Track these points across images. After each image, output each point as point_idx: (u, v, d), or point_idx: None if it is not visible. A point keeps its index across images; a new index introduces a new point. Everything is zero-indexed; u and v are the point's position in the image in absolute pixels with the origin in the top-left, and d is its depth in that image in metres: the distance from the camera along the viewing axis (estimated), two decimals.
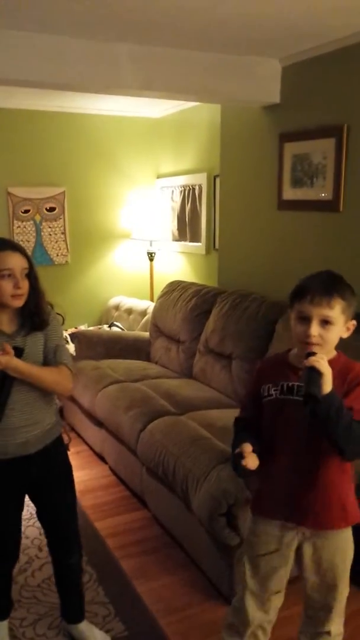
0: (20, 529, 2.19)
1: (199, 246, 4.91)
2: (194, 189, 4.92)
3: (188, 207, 5.02)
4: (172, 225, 5.27)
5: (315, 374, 1.53)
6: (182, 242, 5.16)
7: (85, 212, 5.37)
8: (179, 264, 5.30)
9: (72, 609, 2.29)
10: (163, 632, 2.34)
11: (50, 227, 5.24)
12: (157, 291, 4.93)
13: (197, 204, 4.88)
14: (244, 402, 1.96)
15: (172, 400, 3.47)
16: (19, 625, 2.35)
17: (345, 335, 1.68)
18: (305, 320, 1.63)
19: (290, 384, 1.70)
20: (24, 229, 5.13)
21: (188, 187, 5.00)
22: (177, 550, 2.87)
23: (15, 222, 5.08)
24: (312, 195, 3.45)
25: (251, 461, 1.65)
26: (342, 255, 3.27)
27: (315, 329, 1.61)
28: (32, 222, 5.15)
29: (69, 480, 2.19)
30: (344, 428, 1.56)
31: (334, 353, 1.70)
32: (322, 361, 1.55)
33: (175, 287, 4.46)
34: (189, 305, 4.13)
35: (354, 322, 1.68)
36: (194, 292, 4.21)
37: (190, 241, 5.05)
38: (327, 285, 1.63)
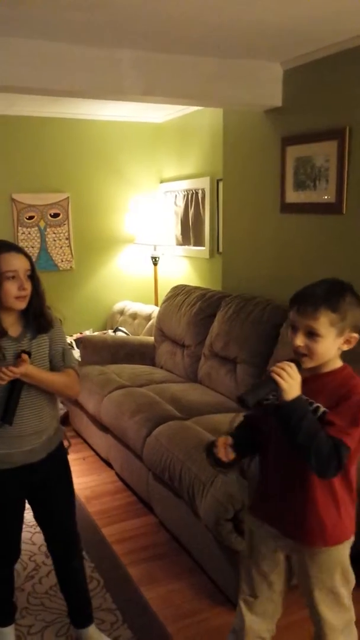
0: (20, 532, 2.19)
1: (203, 250, 4.92)
2: (197, 193, 4.92)
3: (191, 212, 5.02)
4: (176, 229, 5.28)
5: (268, 384, 1.53)
6: (186, 247, 5.17)
7: (89, 218, 5.38)
8: (183, 268, 5.31)
9: (79, 613, 2.29)
10: (171, 638, 2.33)
11: (54, 233, 5.26)
12: (162, 295, 4.93)
13: (201, 208, 4.89)
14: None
15: (178, 405, 3.47)
16: (27, 633, 2.34)
17: (345, 348, 1.62)
18: (295, 329, 1.61)
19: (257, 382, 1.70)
20: (29, 235, 5.15)
21: (191, 192, 5.01)
22: (184, 555, 2.86)
23: (19, 228, 5.10)
24: (315, 198, 3.44)
25: (222, 452, 1.68)
26: (346, 257, 3.26)
27: (300, 339, 1.59)
28: (36, 228, 5.17)
29: (69, 484, 2.19)
30: (305, 437, 1.51)
31: (337, 364, 1.66)
32: (287, 369, 1.53)
33: (180, 292, 4.46)
34: (194, 309, 4.13)
35: (356, 335, 1.61)
36: (199, 296, 4.20)
37: (194, 245, 5.05)
38: (318, 296, 1.58)
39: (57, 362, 2.06)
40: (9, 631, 2.26)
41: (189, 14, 2.65)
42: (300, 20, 2.74)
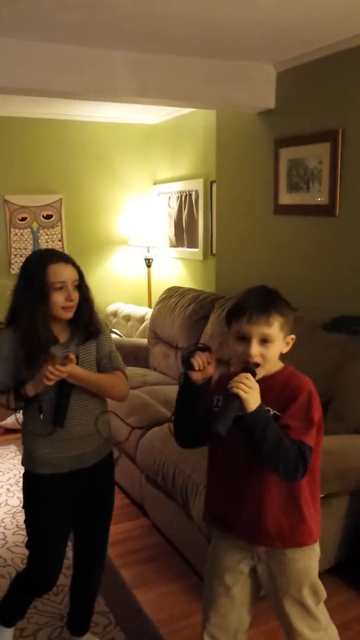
0: (64, 549, 2.10)
1: (197, 252, 4.91)
2: (190, 195, 4.92)
3: (185, 213, 5.02)
4: (170, 231, 5.28)
5: (233, 402, 1.49)
6: (180, 248, 5.16)
7: (83, 219, 5.37)
8: (176, 270, 5.30)
9: (80, 622, 2.28)
10: None
11: (47, 235, 5.24)
12: (155, 297, 4.93)
13: (194, 209, 4.89)
14: None
15: (171, 407, 3.42)
16: (19, 636, 2.33)
17: (285, 350, 1.64)
18: (244, 340, 1.59)
19: (221, 404, 1.60)
20: (21, 236, 5.13)
21: (185, 193, 5.01)
22: (177, 558, 2.85)
23: (12, 229, 5.08)
24: (308, 200, 3.45)
25: (199, 361, 1.60)
26: (339, 259, 3.27)
27: (255, 349, 1.58)
28: (29, 229, 5.16)
29: (112, 495, 2.17)
30: (270, 446, 1.50)
31: (279, 366, 1.67)
32: (245, 381, 1.50)
33: (173, 293, 4.45)
34: (187, 311, 4.12)
35: (293, 336, 1.65)
36: (192, 298, 4.20)
37: (187, 247, 5.05)
38: (264, 302, 1.60)
39: (105, 364, 2.07)
40: (9, 633, 2.25)
41: (183, 16, 2.65)
42: (294, 22, 2.75)
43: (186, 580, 2.69)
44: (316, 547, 1.72)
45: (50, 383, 1.85)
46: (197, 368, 1.61)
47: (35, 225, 5.17)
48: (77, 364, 1.93)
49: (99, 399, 2.06)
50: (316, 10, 2.59)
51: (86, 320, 2.01)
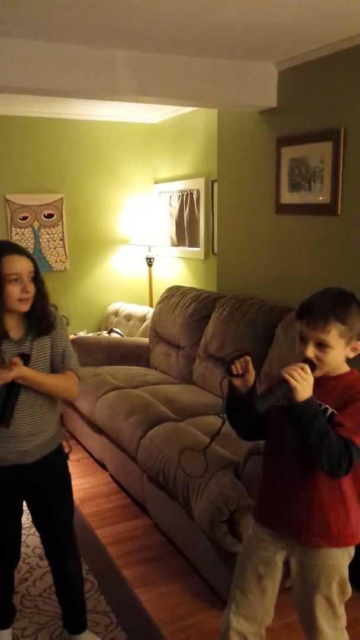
0: (20, 533, 2.19)
1: (198, 251, 4.91)
2: (192, 194, 4.92)
3: (186, 212, 5.01)
4: (171, 230, 5.27)
5: (281, 386, 1.54)
6: (181, 247, 5.16)
7: (84, 219, 5.37)
8: (177, 269, 5.30)
9: (74, 619, 2.28)
10: None
11: (48, 234, 5.24)
12: (156, 297, 4.92)
13: (195, 208, 4.88)
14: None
15: (172, 406, 3.46)
16: (20, 635, 2.33)
17: (352, 355, 1.68)
18: (304, 340, 1.65)
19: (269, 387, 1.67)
20: (23, 235, 5.13)
21: (186, 192, 5.00)
22: (179, 558, 2.85)
23: (13, 229, 5.07)
24: (310, 199, 3.44)
25: (239, 366, 1.66)
26: (341, 258, 3.26)
27: (310, 351, 1.63)
28: (30, 229, 5.15)
29: (67, 489, 2.17)
30: (316, 437, 1.54)
31: (344, 369, 1.70)
32: (299, 371, 1.54)
33: (174, 293, 4.45)
34: (188, 310, 4.12)
35: None
36: (193, 297, 4.20)
37: (188, 246, 5.04)
38: (327, 308, 1.62)
39: (57, 363, 2.05)
40: (7, 634, 2.25)
41: (184, 14, 2.64)
42: (295, 21, 2.74)
43: (188, 580, 2.69)
44: (352, 548, 1.76)
45: None
46: (235, 372, 1.67)
47: (36, 225, 5.17)
48: (29, 362, 1.92)
49: (49, 398, 2.05)
50: (318, 9, 2.58)
51: (39, 315, 1.99)
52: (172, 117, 5.16)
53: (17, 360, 1.88)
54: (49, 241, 5.24)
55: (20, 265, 1.91)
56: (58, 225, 5.26)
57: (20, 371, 1.87)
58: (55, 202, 5.21)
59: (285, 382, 1.54)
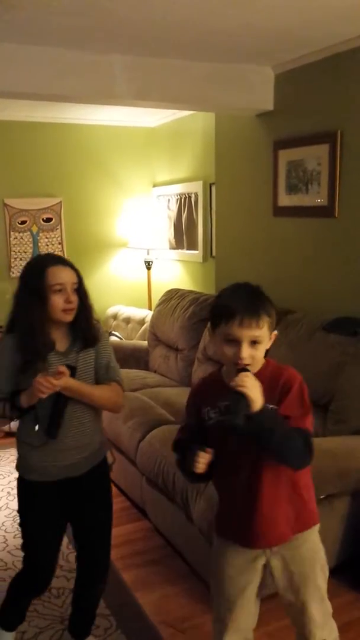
0: (58, 552, 2.15)
1: (196, 254, 4.92)
2: (190, 197, 4.93)
3: (184, 215, 5.02)
4: (169, 233, 5.28)
5: (241, 400, 1.49)
6: (179, 250, 5.17)
7: (82, 222, 5.38)
8: (176, 272, 5.30)
9: (82, 626, 2.27)
10: None
11: (47, 238, 5.25)
12: (155, 300, 4.93)
13: (194, 212, 4.89)
14: (184, 427, 1.83)
15: (171, 409, 3.46)
16: (20, 639, 2.33)
17: (269, 346, 1.65)
18: (234, 342, 1.58)
19: (226, 404, 1.60)
20: (21, 240, 5.14)
21: (184, 196, 5.01)
22: (178, 560, 2.85)
23: (12, 233, 5.08)
24: (308, 202, 3.45)
25: (202, 468, 1.60)
26: (339, 260, 3.27)
27: (246, 351, 1.57)
28: (29, 233, 5.16)
29: (109, 501, 2.17)
30: (281, 440, 1.53)
31: (262, 362, 1.67)
32: (248, 381, 1.51)
33: (173, 295, 4.46)
34: (187, 313, 4.13)
35: (276, 332, 1.67)
36: (192, 300, 4.20)
37: (187, 249, 5.05)
38: (253, 304, 1.59)
39: (101, 375, 2.05)
40: (10, 637, 2.25)
41: (181, 19, 2.65)
42: (292, 24, 2.75)
43: (187, 582, 2.69)
44: (317, 526, 1.77)
45: (44, 396, 1.83)
46: (200, 471, 1.61)
47: (35, 229, 5.18)
48: (75, 374, 1.92)
49: (94, 410, 2.05)
50: (314, 12, 2.60)
51: (84, 327, 2.00)
52: (169, 121, 5.18)
53: (63, 369, 1.85)
54: (47, 245, 5.25)
55: (64, 276, 1.93)
56: (57, 229, 5.27)
57: (66, 381, 1.86)
58: (53, 206, 5.22)
59: (241, 394, 1.49)
